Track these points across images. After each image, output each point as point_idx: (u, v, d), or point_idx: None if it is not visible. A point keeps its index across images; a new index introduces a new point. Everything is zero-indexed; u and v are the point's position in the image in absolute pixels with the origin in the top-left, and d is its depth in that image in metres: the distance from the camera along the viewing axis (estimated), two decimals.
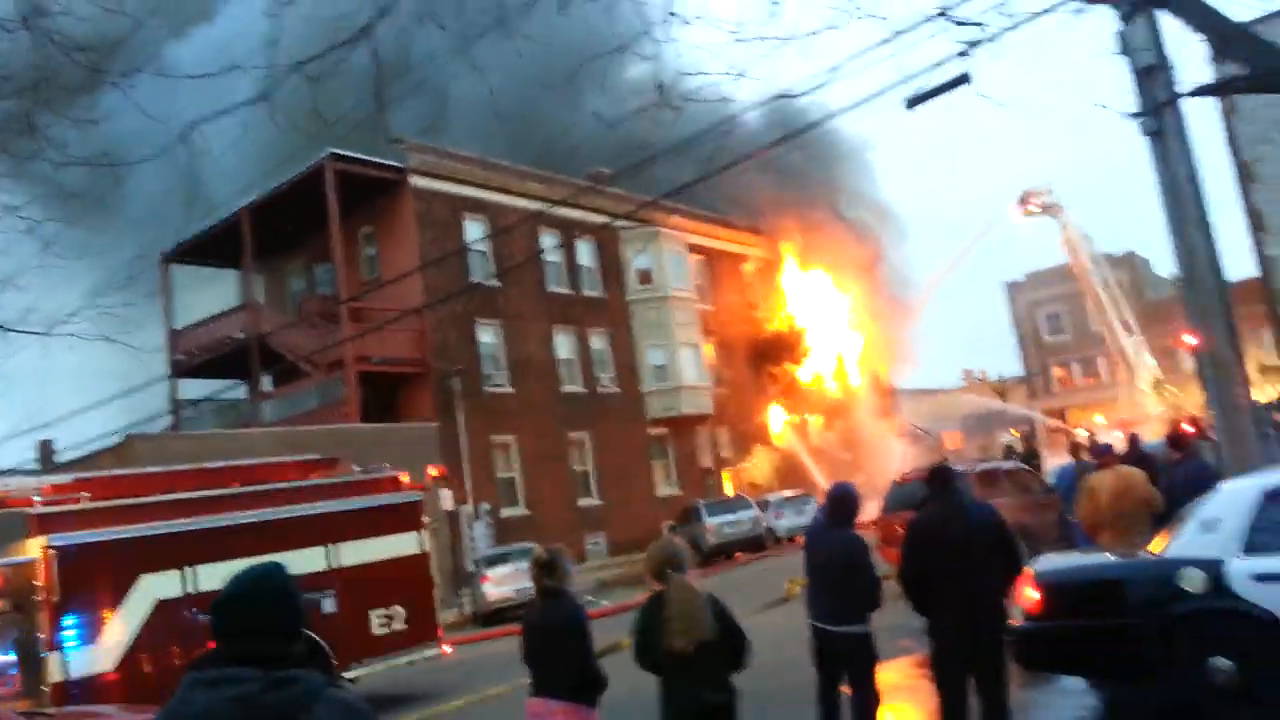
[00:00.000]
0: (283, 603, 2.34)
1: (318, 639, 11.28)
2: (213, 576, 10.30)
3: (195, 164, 5.59)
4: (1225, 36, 3.79)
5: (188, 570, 10.56)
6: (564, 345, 32.47)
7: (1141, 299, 53.77)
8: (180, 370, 31.05)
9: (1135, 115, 5.36)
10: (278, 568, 2.40)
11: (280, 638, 2.28)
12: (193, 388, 31.25)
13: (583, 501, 31.31)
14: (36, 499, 10.63)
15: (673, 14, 5.39)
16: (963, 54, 6.51)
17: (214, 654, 2.27)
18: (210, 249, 31.35)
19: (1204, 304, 8.60)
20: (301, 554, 11.51)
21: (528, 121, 20.79)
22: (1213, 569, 5.81)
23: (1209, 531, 5.98)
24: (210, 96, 6.55)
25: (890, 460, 38.29)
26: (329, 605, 11.66)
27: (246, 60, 5.37)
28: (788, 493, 31.58)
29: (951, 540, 5.91)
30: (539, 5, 5.05)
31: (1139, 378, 42.33)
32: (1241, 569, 5.73)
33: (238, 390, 31.00)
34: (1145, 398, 41.58)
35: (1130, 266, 55.93)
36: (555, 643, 4.92)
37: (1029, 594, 6.67)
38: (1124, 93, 8.51)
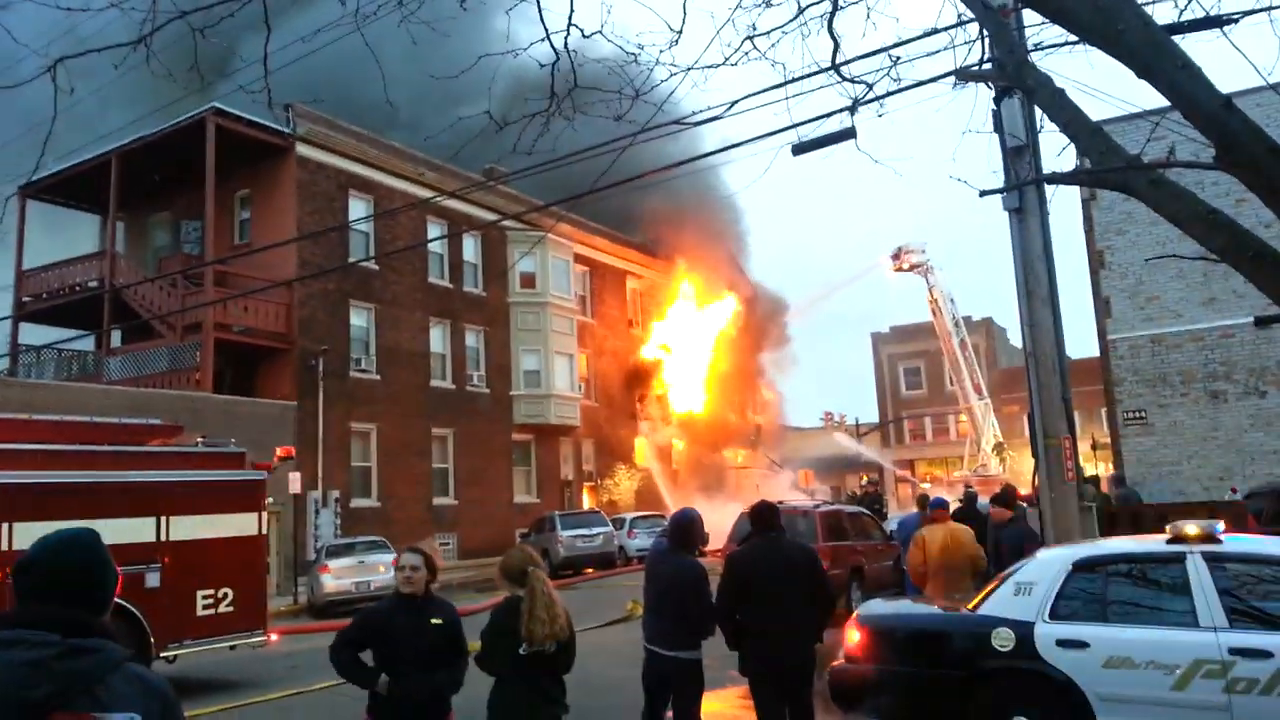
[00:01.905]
0: (91, 570, 2.26)
1: (137, 612, 10.74)
2: (30, 536, 9.52)
3: (57, 102, 5.19)
4: (1078, 130, 4.07)
5: (3, 526, 9.88)
6: (438, 338, 31.91)
7: (995, 365, 56.62)
8: (24, 313, 29.16)
9: (991, 191, 5.67)
10: (90, 534, 2.32)
11: (85, 605, 2.19)
12: (36, 333, 29.32)
13: (438, 500, 30.75)
14: None
15: (572, 25, 5.39)
16: (850, 110, 6.75)
17: (12, 615, 2.16)
18: (73, 189, 29.58)
19: (1043, 377, 9.17)
20: (130, 522, 10.98)
21: (420, 109, 20.45)
22: (1022, 630, 6.16)
23: (1022, 595, 6.34)
24: (84, 33, 6.20)
25: (748, 492, 39.11)
26: (153, 579, 11.11)
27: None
28: (643, 513, 31.86)
29: (766, 578, 6.08)
30: None
31: (983, 439, 44.65)
32: (1047, 633, 6.09)
33: (84, 342, 29.24)
34: (987, 459, 43.87)
35: (987, 333, 58.76)
36: None
37: (852, 635, 6.93)
38: (995, 169, 9.06)
